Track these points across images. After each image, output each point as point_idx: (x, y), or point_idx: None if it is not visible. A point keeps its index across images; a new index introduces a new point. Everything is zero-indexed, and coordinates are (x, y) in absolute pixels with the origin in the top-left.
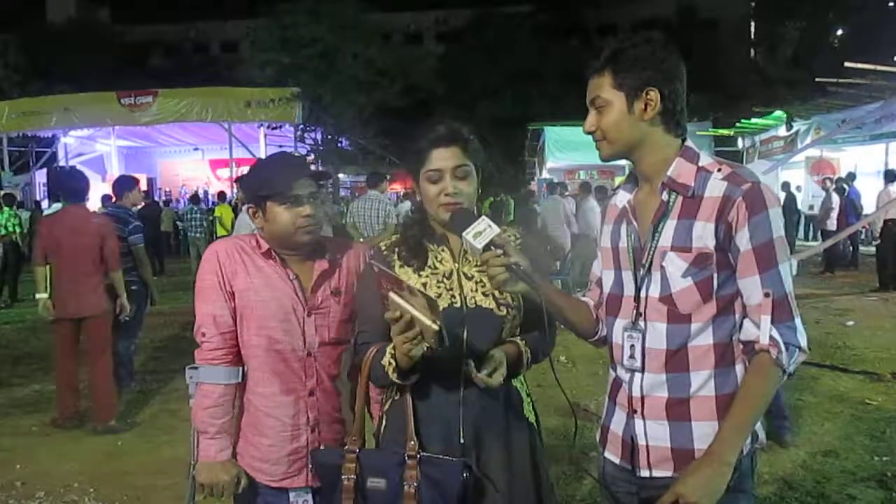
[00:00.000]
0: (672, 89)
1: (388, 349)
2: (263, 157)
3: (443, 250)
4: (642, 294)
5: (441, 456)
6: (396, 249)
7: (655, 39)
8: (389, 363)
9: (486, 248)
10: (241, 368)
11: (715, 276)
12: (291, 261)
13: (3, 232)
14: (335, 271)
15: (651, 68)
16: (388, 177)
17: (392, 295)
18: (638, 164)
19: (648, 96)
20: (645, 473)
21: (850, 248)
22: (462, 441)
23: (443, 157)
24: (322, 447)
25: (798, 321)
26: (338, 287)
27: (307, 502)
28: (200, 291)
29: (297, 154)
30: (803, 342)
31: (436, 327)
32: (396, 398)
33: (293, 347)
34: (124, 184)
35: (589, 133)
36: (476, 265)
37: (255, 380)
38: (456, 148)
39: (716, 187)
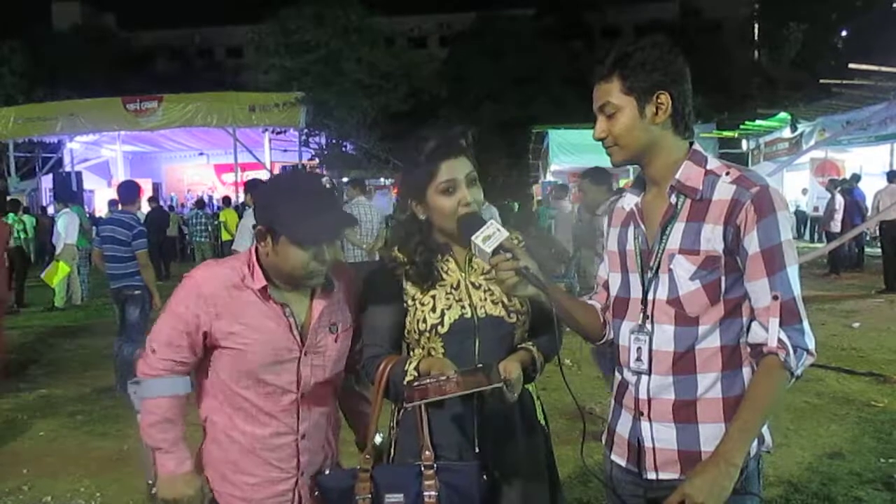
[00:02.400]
0: (681, 91)
1: (410, 368)
2: (267, 160)
3: (447, 260)
4: (649, 296)
5: (456, 462)
6: (405, 268)
7: (660, 42)
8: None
9: (496, 252)
10: (188, 377)
11: (723, 278)
12: (287, 294)
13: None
14: (334, 305)
15: (659, 71)
16: (392, 181)
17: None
18: (647, 167)
19: (659, 100)
20: (651, 475)
21: (856, 249)
22: (477, 450)
23: (454, 167)
24: (328, 472)
25: (806, 324)
26: (335, 322)
27: None
28: (169, 310)
29: (327, 186)
30: (811, 345)
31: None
32: (409, 409)
33: (285, 389)
34: (129, 189)
35: (599, 139)
36: (482, 273)
37: (241, 418)
38: (463, 156)
39: (724, 190)
